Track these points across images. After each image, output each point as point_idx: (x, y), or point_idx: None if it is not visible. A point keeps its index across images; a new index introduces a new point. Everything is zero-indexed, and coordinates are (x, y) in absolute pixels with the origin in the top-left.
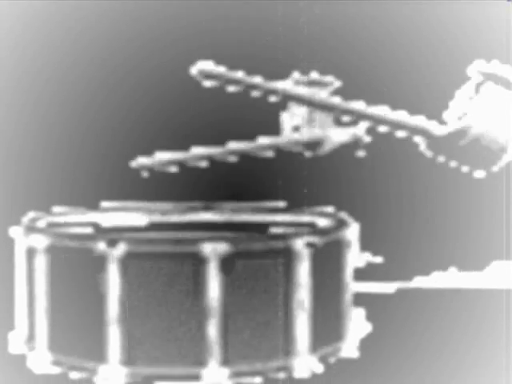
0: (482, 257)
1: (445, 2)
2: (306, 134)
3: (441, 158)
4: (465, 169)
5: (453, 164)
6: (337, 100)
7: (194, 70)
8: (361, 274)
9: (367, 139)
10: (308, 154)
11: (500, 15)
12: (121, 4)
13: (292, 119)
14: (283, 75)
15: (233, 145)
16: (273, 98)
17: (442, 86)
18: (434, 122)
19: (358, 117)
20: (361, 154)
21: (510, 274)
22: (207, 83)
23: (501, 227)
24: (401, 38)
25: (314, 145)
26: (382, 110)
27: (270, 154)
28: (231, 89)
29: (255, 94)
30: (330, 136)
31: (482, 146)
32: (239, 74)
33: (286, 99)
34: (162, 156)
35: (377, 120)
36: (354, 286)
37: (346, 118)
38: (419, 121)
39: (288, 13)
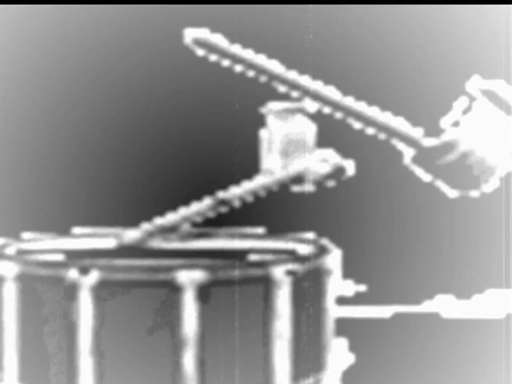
0: (478, 284)
1: (442, 6)
2: (286, 171)
3: (424, 174)
4: (445, 188)
5: (437, 182)
6: (328, 91)
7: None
8: (344, 303)
9: (350, 170)
10: (296, 189)
11: (500, 18)
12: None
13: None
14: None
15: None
16: (263, 78)
17: (441, 89)
18: (422, 132)
19: (347, 114)
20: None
21: (508, 301)
22: (200, 52)
23: (500, 253)
24: (395, 43)
25: (296, 179)
26: (371, 111)
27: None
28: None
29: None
30: (312, 169)
31: (468, 165)
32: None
33: (276, 82)
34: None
35: (365, 120)
36: (338, 313)
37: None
38: (408, 129)
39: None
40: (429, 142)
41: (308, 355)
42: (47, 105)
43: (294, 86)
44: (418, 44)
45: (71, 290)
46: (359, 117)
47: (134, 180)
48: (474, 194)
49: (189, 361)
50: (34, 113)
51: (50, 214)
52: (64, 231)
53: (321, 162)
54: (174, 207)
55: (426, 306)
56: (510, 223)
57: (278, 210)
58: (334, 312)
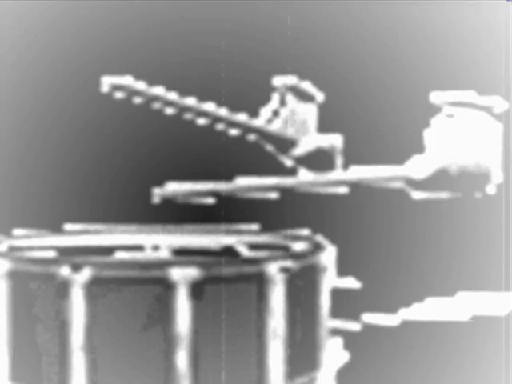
0: (477, 286)
1: (440, 3)
2: (283, 129)
3: (428, 195)
4: (456, 195)
5: (443, 195)
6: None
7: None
8: (338, 302)
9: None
10: (278, 151)
11: (499, 16)
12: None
13: (273, 104)
14: (258, 98)
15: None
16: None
17: (439, 89)
18: (412, 165)
19: (334, 184)
20: (338, 164)
21: (508, 303)
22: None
23: (500, 254)
24: (390, 42)
25: (287, 144)
26: (356, 173)
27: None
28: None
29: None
30: (307, 139)
31: (469, 174)
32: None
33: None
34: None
35: (352, 183)
36: (331, 323)
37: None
38: (397, 170)
39: (266, 35)
40: (420, 174)
41: (302, 353)
42: (38, 104)
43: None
44: (415, 43)
45: (63, 287)
46: (347, 183)
47: (125, 177)
48: (478, 195)
49: (182, 358)
50: (24, 111)
51: (41, 210)
52: (56, 228)
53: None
54: (165, 204)
55: (421, 309)
56: (510, 226)
57: (273, 206)
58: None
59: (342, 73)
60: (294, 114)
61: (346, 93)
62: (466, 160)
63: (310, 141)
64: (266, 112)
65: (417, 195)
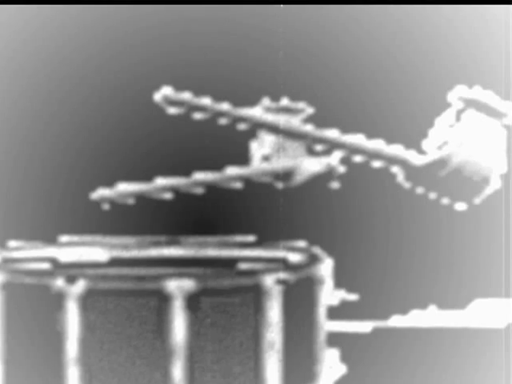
0: (477, 294)
1: (440, 6)
2: (276, 164)
3: (419, 190)
4: (445, 200)
5: (432, 196)
6: (309, 128)
7: (157, 97)
8: (335, 313)
9: (341, 170)
10: (279, 185)
11: (499, 17)
12: (84, 28)
13: (261, 148)
14: (253, 102)
15: (199, 175)
16: (242, 126)
17: (439, 89)
18: (413, 151)
19: (331, 145)
20: (335, 185)
21: (508, 311)
22: (172, 110)
23: (499, 262)
24: (389, 43)
25: (284, 175)
26: (357, 139)
27: (238, 185)
28: (197, 116)
29: (223, 121)
30: (302, 166)
31: (464, 176)
32: (206, 101)
33: (256, 127)
34: (124, 187)
35: (352, 149)
36: (327, 325)
37: (319, 147)
38: (396, 150)
39: (261, 38)
40: (419, 160)
41: (299, 365)
42: (30, 114)
43: (269, 127)
44: (415, 45)
45: (58, 299)
46: (345, 147)
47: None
48: (475, 201)
49: (177, 370)
50: (17, 121)
51: (35, 222)
52: (50, 239)
53: (312, 159)
54: (160, 214)
55: (421, 318)
56: (510, 233)
57: (269, 218)
58: (325, 326)
59: (339, 75)
60: (280, 150)
61: (345, 89)
62: (468, 158)
63: (304, 168)
64: (257, 156)
65: (407, 185)
